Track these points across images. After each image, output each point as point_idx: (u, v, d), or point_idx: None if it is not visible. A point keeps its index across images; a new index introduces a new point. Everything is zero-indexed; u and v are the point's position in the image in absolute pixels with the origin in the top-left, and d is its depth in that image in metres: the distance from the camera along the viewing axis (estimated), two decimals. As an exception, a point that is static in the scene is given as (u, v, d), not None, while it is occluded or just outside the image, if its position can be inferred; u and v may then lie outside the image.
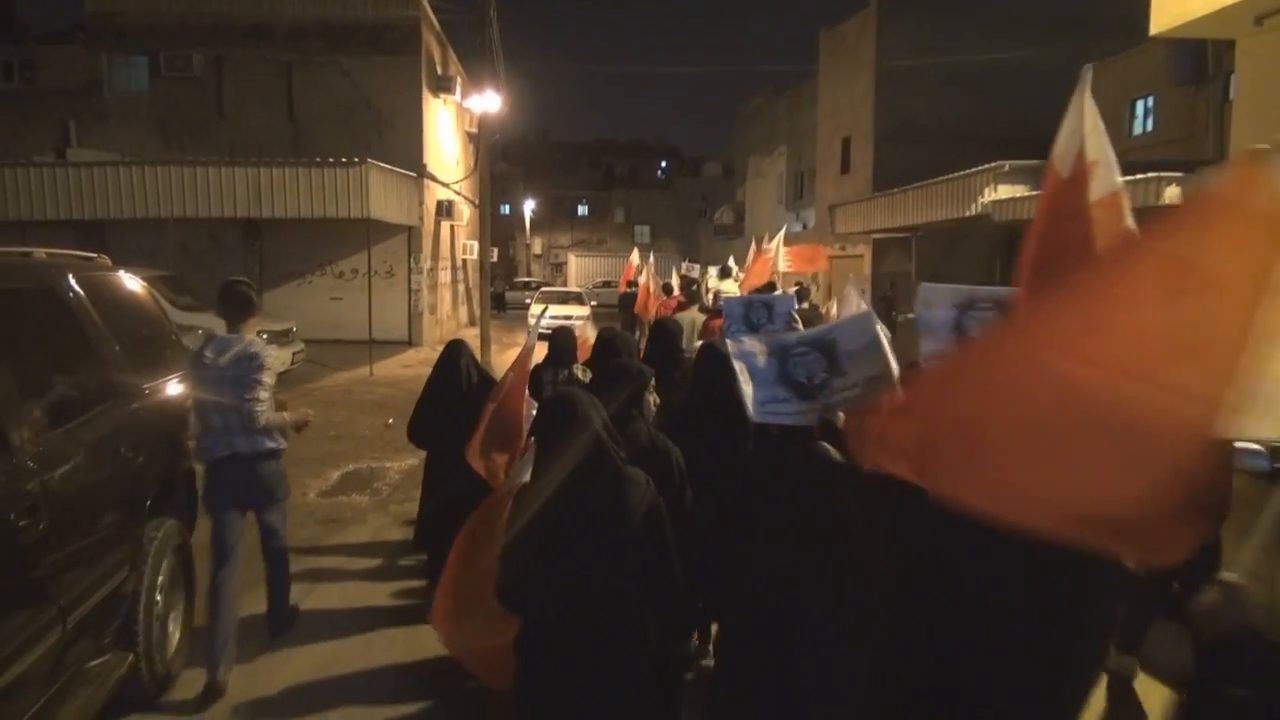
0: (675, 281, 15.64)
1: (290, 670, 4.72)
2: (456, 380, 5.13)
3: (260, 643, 5.03)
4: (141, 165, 16.42)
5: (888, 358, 2.94)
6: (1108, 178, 2.38)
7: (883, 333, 3.01)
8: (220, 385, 4.43)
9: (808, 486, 2.53)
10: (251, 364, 4.44)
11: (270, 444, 4.60)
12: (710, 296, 12.23)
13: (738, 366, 2.76)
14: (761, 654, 2.53)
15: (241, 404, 4.42)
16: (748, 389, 2.65)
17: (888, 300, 21.81)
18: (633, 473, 2.65)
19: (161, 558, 4.33)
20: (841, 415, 2.98)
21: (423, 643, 4.98)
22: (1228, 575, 2.10)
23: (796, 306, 5.77)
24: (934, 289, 3.21)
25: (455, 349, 5.28)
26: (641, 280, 14.60)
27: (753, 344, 2.75)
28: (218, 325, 13.05)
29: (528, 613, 2.61)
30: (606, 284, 37.03)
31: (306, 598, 5.74)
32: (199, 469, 5.11)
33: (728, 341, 3.12)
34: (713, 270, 15.67)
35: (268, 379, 4.50)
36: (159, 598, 4.32)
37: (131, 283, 5.08)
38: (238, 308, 4.54)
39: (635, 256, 17.19)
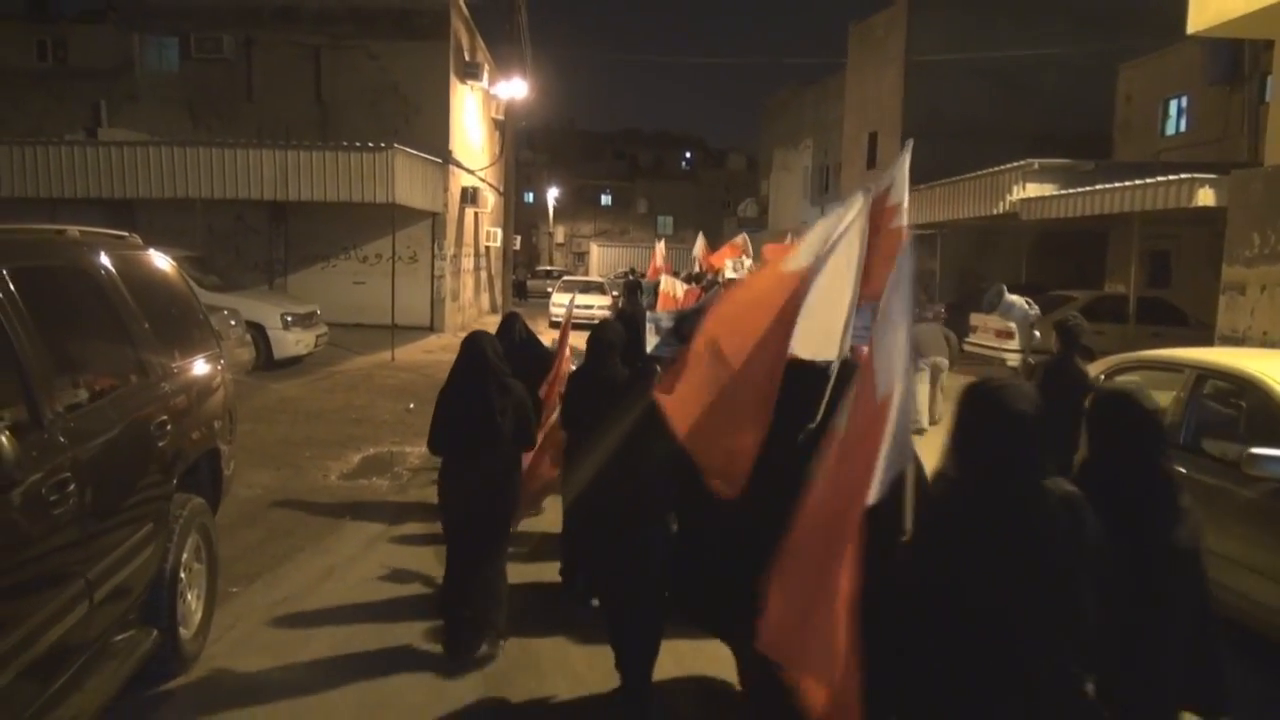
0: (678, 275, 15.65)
1: (309, 650, 4.78)
2: (511, 338, 6.77)
3: (279, 624, 5.09)
4: (170, 146, 16.57)
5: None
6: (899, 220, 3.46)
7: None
8: None
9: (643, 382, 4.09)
10: None
11: None
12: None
13: (648, 325, 4.27)
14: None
15: None
16: (652, 339, 4.18)
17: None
18: (511, 382, 4.75)
19: (187, 535, 4.39)
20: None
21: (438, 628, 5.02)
22: None
23: None
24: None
25: (511, 317, 6.95)
26: (662, 288, 14.51)
27: (662, 314, 4.36)
28: (244, 305, 13.12)
29: (445, 453, 4.80)
30: (628, 274, 37.03)
31: (327, 579, 5.80)
32: (224, 448, 5.17)
33: (647, 313, 4.75)
34: (729, 262, 15.74)
35: None
36: (183, 575, 4.38)
37: (161, 262, 5.13)
38: None
39: (661, 247, 17.18)
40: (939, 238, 21.84)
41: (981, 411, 2.35)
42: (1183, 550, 2.56)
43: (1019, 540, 2.17)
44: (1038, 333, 6.74)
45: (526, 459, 5.43)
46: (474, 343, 4.78)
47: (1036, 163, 16.46)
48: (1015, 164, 16.66)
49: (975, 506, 2.26)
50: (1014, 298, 7.26)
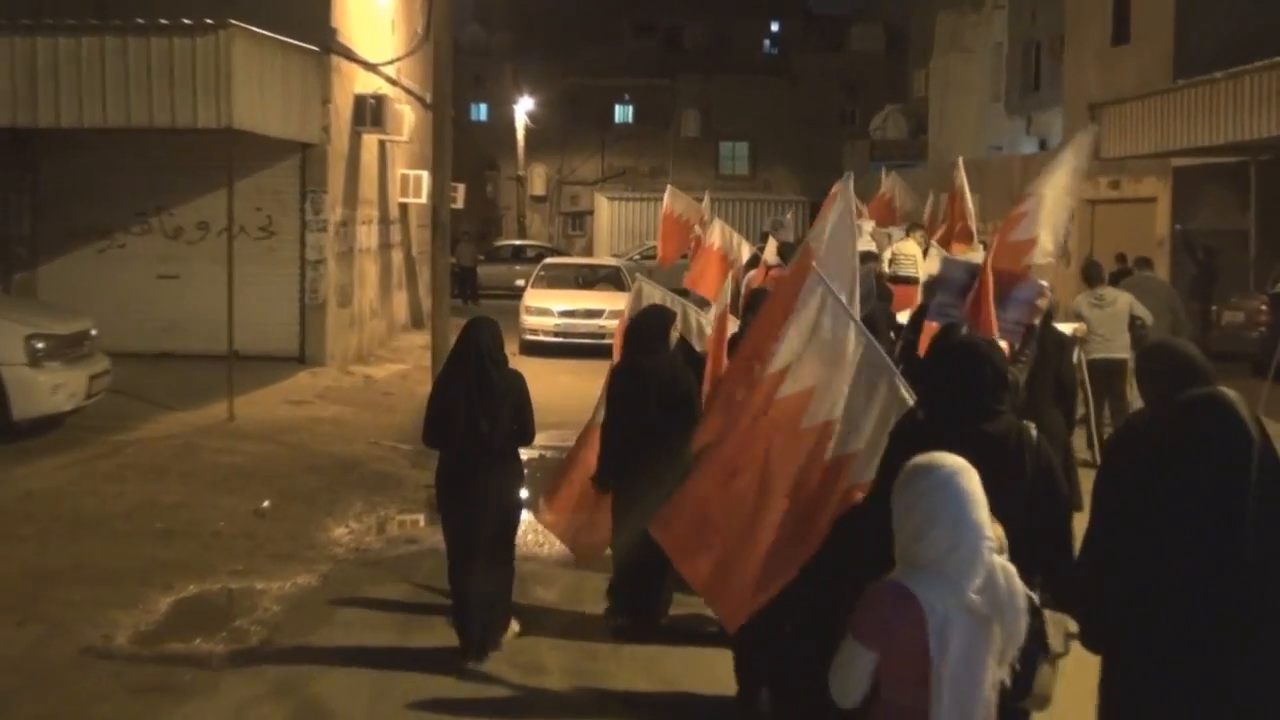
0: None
1: None
2: (649, 344, 9.03)
3: None
4: None
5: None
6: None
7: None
8: None
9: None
10: None
11: None
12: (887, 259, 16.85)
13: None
14: None
15: None
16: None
17: (1206, 271, 21.42)
18: (510, 371, 8.15)
19: None
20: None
21: None
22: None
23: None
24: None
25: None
26: (711, 241, 15.54)
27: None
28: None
29: (438, 446, 8.20)
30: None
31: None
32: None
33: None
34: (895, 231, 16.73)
35: None
36: None
37: None
38: None
39: (706, 204, 17.80)
40: (1253, 169, 21.71)
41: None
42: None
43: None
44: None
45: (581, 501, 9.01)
46: (470, 328, 8.05)
47: None
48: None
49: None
50: None
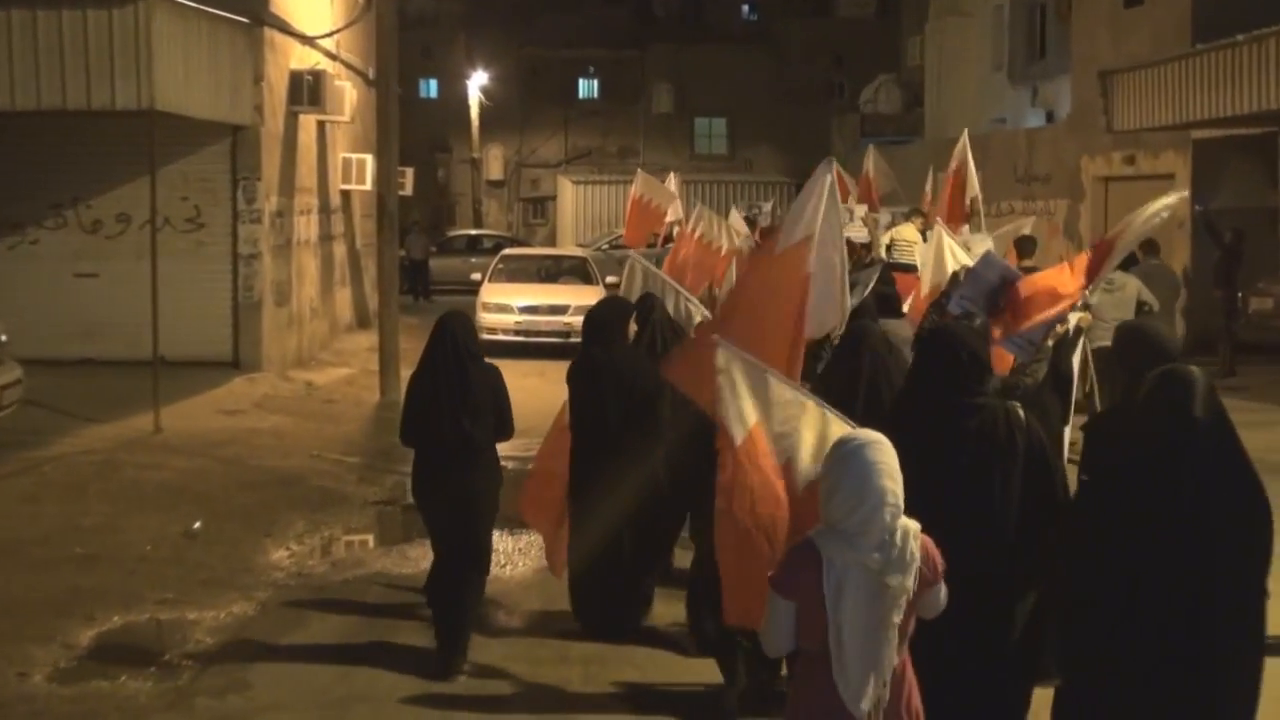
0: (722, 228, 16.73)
1: None
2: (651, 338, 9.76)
3: None
4: None
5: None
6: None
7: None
8: None
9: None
10: None
11: None
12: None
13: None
14: None
15: None
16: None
17: (1231, 254, 21.47)
18: (487, 364, 8.72)
19: None
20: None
21: None
22: None
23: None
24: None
25: (649, 301, 10.16)
26: (692, 229, 15.69)
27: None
28: None
29: (416, 445, 8.74)
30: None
31: None
32: None
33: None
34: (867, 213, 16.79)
35: None
36: None
37: None
38: None
39: (673, 183, 17.76)
40: (1280, 141, 21.76)
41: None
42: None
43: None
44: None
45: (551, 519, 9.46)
46: (444, 322, 8.59)
47: None
48: None
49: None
50: None
